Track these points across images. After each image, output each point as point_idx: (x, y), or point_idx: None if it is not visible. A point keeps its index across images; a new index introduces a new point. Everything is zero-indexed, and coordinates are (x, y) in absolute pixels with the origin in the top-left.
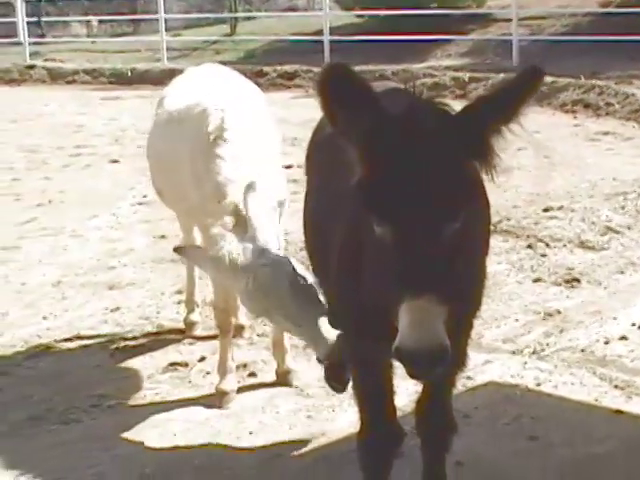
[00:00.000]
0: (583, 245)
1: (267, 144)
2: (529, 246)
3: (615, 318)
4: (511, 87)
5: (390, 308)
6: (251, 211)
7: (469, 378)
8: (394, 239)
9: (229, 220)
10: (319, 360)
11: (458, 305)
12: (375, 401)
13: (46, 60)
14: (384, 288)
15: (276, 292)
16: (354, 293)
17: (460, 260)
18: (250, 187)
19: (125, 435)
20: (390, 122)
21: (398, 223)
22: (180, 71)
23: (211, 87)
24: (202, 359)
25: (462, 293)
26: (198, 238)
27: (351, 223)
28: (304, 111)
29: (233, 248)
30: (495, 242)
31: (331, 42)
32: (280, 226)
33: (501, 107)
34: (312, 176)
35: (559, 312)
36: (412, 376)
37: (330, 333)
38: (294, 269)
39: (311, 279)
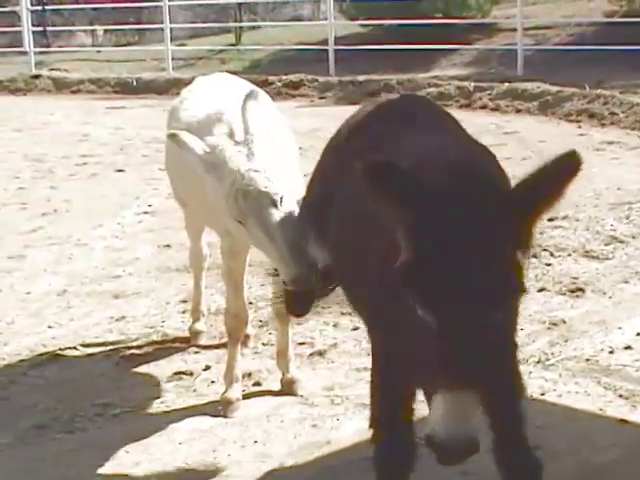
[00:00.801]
0: (588, 254)
1: (285, 150)
2: (533, 255)
3: (620, 328)
4: (551, 174)
5: (423, 383)
6: (250, 121)
7: None
8: (435, 326)
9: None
10: (284, 282)
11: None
12: (394, 417)
13: (51, 69)
14: (419, 365)
15: (257, 198)
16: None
17: (500, 346)
18: (251, 95)
19: (130, 444)
20: (437, 210)
21: (441, 313)
22: (185, 80)
23: (226, 95)
24: (207, 368)
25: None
26: (205, 247)
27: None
28: (309, 120)
29: (227, 147)
30: None
31: (336, 51)
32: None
33: (543, 195)
34: (320, 184)
35: (564, 321)
36: (441, 463)
37: (303, 261)
38: (281, 197)
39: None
